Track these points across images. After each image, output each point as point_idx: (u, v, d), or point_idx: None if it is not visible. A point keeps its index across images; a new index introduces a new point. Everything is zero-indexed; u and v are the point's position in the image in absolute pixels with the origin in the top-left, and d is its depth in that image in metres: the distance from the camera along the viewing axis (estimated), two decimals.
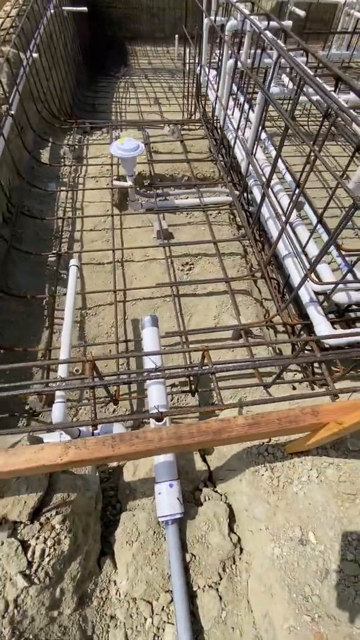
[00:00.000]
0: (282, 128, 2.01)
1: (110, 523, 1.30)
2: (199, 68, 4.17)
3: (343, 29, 5.60)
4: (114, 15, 9.03)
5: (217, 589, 1.11)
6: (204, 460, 1.47)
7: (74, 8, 5.59)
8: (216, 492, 1.35)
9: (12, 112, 2.81)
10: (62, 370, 1.46)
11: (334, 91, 1.80)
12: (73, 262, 2.06)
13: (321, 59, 1.75)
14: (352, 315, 2.39)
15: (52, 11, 4.88)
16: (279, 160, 2.25)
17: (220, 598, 1.10)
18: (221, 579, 1.13)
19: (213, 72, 3.88)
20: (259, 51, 2.50)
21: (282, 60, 2.04)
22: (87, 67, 7.29)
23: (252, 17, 2.43)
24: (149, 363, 1.41)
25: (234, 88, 3.16)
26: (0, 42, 3.16)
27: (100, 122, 4.49)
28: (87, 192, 3.26)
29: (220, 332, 2.32)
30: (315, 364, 2.36)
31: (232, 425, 0.91)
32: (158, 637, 1.06)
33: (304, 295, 2.09)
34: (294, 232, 2.47)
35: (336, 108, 1.48)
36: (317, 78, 1.82)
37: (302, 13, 4.42)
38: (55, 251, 2.67)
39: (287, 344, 2.47)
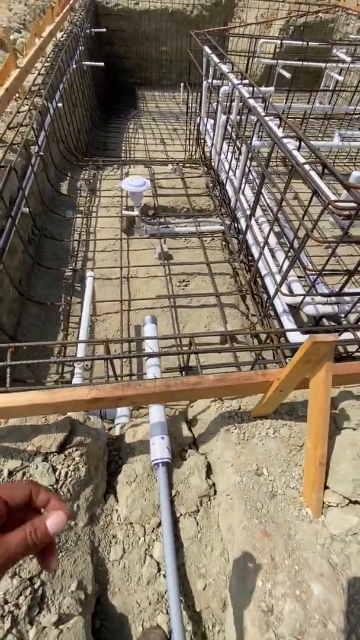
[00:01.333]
0: (275, 167, 2.52)
1: (114, 474, 1.65)
2: (198, 118, 4.86)
3: (326, 86, 6.45)
4: (127, 65, 10.13)
5: (194, 517, 1.45)
6: (190, 429, 1.83)
7: (93, 63, 6.46)
8: (198, 452, 1.70)
9: (41, 153, 3.38)
10: (80, 352, 1.85)
11: (298, 149, 2.33)
12: (90, 274, 2.51)
13: (292, 126, 2.27)
14: (326, 324, 2.80)
15: (74, 66, 5.70)
16: (262, 196, 2.76)
17: (197, 523, 1.43)
18: (198, 510, 1.46)
19: (211, 122, 4.55)
20: (245, 111, 3.09)
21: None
22: (101, 110, 8.17)
23: (239, 86, 3.04)
24: (148, 350, 1.81)
25: (227, 136, 3.77)
26: (34, 96, 3.81)
27: (111, 160, 5.13)
28: (100, 219, 3.79)
29: (210, 336, 2.73)
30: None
31: (205, 380, 1.30)
32: (148, 551, 1.39)
33: (279, 306, 2.52)
34: (274, 256, 2.94)
35: (295, 164, 1.98)
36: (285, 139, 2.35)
37: (288, 75, 5.18)
38: (71, 267, 3.13)
39: (268, 351, 2.86)
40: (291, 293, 2.50)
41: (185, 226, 3.85)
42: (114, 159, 5.25)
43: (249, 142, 2.76)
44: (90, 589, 1.24)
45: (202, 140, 5.25)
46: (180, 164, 4.78)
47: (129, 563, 1.36)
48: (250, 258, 3.49)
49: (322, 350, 1.06)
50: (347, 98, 7.07)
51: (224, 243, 3.82)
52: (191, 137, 5.42)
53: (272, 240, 3.02)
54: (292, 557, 1.13)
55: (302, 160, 2.05)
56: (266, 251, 2.72)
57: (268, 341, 2.11)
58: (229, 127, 3.55)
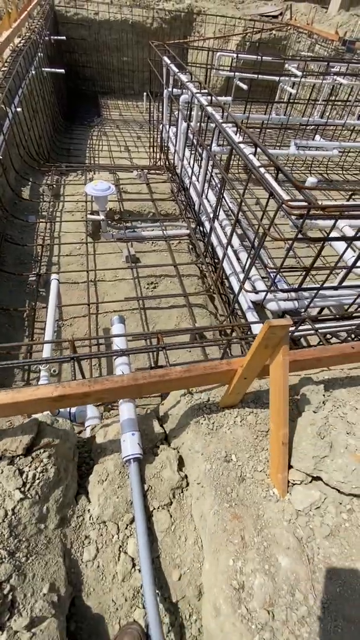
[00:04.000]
0: (237, 174, 2.63)
1: (85, 475, 1.62)
2: (161, 126, 4.96)
3: (280, 99, 6.84)
4: (88, 73, 10.12)
5: (168, 510, 1.46)
6: (161, 426, 1.85)
7: (53, 70, 6.41)
8: (170, 447, 1.72)
9: (0, 157, 3.30)
10: (46, 353, 1.81)
11: (254, 154, 2.46)
12: (54, 276, 2.47)
13: (247, 132, 2.39)
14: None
15: (33, 72, 5.63)
16: (223, 199, 2.87)
17: (171, 515, 1.45)
18: (171, 502, 1.48)
19: (173, 129, 4.67)
20: (205, 118, 3.22)
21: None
22: (63, 117, 8.09)
23: (198, 94, 3.17)
24: (116, 348, 1.81)
25: (189, 143, 3.89)
26: None
27: (75, 165, 5.10)
28: (64, 224, 3.75)
29: (179, 335, 2.77)
30: None
31: (172, 371, 1.33)
32: (122, 548, 1.38)
33: (244, 303, 2.62)
34: (237, 257, 3.06)
35: (251, 167, 2.09)
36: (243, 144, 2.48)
37: (244, 87, 5.45)
38: (35, 272, 3.06)
39: (236, 345, 2.95)
40: (255, 290, 2.61)
41: (152, 230, 3.90)
42: (78, 165, 5.22)
43: (208, 147, 2.87)
44: (63, 591, 1.21)
45: (166, 148, 5.37)
46: (145, 170, 4.85)
47: (103, 562, 1.35)
48: (216, 260, 3.60)
49: (278, 334, 1.13)
50: (301, 110, 7.54)
51: (190, 246, 3.91)
52: (155, 144, 5.52)
53: (236, 242, 3.14)
54: (260, 535, 1.18)
55: (258, 164, 2.18)
56: (230, 252, 2.83)
57: (234, 334, 2.18)
58: (190, 134, 3.67)
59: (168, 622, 1.28)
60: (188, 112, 3.68)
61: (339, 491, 1.29)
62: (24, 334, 2.66)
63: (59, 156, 6.06)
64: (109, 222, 3.86)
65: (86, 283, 3.07)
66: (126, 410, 1.66)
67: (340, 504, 1.27)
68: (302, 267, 2.62)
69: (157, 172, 4.93)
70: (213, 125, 3.53)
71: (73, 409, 1.97)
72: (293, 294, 2.60)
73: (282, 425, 1.27)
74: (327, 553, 1.13)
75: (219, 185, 3.88)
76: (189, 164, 3.97)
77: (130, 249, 3.41)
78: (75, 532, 1.39)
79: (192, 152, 4.08)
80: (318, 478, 1.33)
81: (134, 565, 1.34)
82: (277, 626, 0.99)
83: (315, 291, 2.42)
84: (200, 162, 3.43)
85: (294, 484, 1.32)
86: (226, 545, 1.16)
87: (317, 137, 6.06)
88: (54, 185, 4.32)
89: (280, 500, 1.30)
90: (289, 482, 1.32)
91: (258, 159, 2.26)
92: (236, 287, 2.73)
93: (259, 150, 2.35)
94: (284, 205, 1.80)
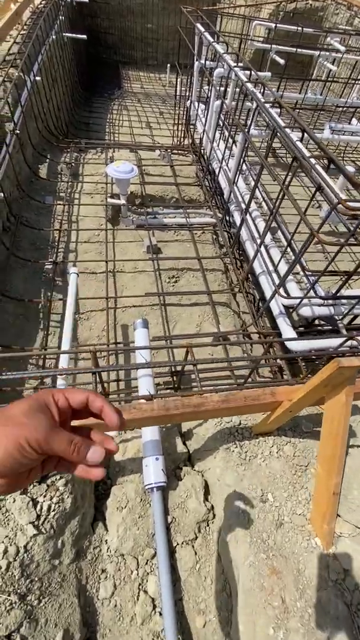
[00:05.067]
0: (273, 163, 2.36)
1: (102, 497, 1.49)
2: (189, 102, 4.59)
3: (318, 77, 6.29)
4: (110, 40, 9.54)
5: (192, 545, 1.33)
6: (184, 444, 1.70)
7: (75, 35, 5.99)
8: (194, 469, 1.57)
9: (18, 132, 3.06)
10: (63, 362, 1.66)
11: (301, 140, 2.18)
12: (73, 269, 2.29)
13: (295, 116, 2.11)
14: (318, 328, 2.73)
15: (53, 37, 5.24)
16: (257, 189, 2.60)
17: (196, 552, 1.32)
18: (196, 537, 1.34)
19: (202, 107, 4.30)
20: (242, 96, 2.90)
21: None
22: (82, 88, 7.66)
23: (236, 68, 2.84)
24: (140, 359, 1.64)
25: (220, 123, 3.56)
26: (8, 66, 3.43)
27: (95, 142, 4.79)
28: (82, 207, 3.51)
29: (201, 337, 2.59)
30: (285, 372, 2.67)
31: (208, 401, 1.15)
32: (142, 585, 1.26)
33: (275, 308, 2.40)
34: (269, 253, 2.81)
35: (300, 156, 1.83)
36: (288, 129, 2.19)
37: (282, 61, 4.98)
38: (51, 259, 2.88)
39: (261, 352, 2.76)
40: (287, 294, 2.39)
41: (175, 217, 3.64)
42: (98, 141, 4.91)
43: (246, 130, 2.58)
44: (77, 637, 1.09)
45: (192, 127, 5.00)
46: (168, 150, 4.53)
47: (121, 601, 1.23)
48: (241, 253, 3.35)
49: (345, 375, 0.94)
50: (335, 90, 6.96)
51: (214, 237, 3.65)
52: (180, 122, 5.15)
53: (267, 236, 2.88)
54: (303, 598, 1.03)
55: (308, 154, 1.90)
56: (262, 250, 2.59)
57: (264, 350, 1.99)
58: (221, 114, 3.34)
59: None
60: (222, 88, 3.33)
61: None
62: (39, 326, 2.51)
63: (77, 131, 5.73)
64: (130, 206, 3.62)
65: (104, 274, 2.88)
66: (149, 431, 1.50)
67: None
68: (342, 272, 2.38)
69: (182, 152, 4.60)
70: (249, 104, 3.20)
71: None
72: (329, 300, 2.37)
73: (335, 473, 1.09)
74: None
75: (251, 172, 3.57)
76: (219, 146, 3.66)
77: (152, 238, 3.18)
78: (92, 565, 1.27)
79: (223, 133, 3.75)
80: None
81: (154, 607, 1.22)
82: None
83: (357, 299, 2.19)
84: (232, 145, 3.13)
85: (340, 536, 1.16)
86: (264, 608, 1.02)
87: (355, 120, 5.59)
88: (73, 164, 4.06)
89: (324, 553, 1.14)
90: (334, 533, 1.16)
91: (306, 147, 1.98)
92: (266, 287, 2.50)
93: (305, 136, 2.07)
94: (340, 206, 1.55)
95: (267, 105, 2.33)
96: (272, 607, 1.02)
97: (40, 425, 0.47)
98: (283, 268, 2.65)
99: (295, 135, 2.23)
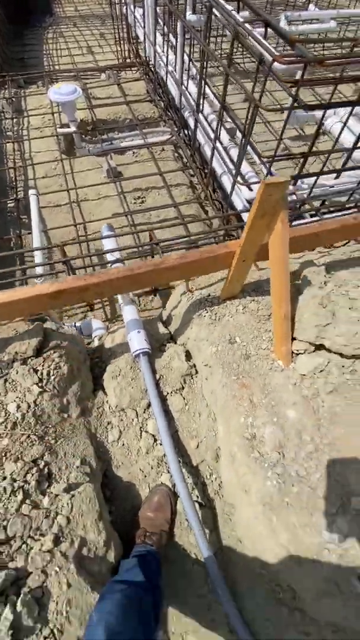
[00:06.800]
0: (218, 66, 2.26)
1: (98, 377, 1.70)
2: (125, 8, 4.16)
3: None
4: None
5: (180, 393, 1.56)
6: (166, 327, 1.88)
7: None
8: (176, 344, 1.77)
9: None
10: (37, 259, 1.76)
11: (237, 11, 2.07)
12: (32, 192, 2.30)
13: None
14: None
15: None
16: (206, 84, 2.51)
17: (184, 398, 1.55)
18: (183, 387, 1.57)
19: (140, 11, 3.92)
20: None
21: None
22: (9, 22, 6.79)
23: None
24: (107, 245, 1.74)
25: (160, 23, 3.29)
26: None
27: (34, 74, 4.41)
28: (34, 142, 3.37)
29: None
30: None
31: (168, 259, 1.29)
32: (143, 428, 1.50)
33: (238, 203, 2.47)
34: (229, 155, 2.79)
35: (234, 23, 1.77)
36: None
37: None
38: (13, 197, 2.85)
39: None
40: (248, 185, 2.43)
41: (132, 140, 3.52)
42: (37, 72, 4.52)
43: (183, 17, 2.41)
44: (94, 465, 1.34)
45: (134, 40, 4.59)
46: (114, 70, 4.21)
47: (127, 441, 1.48)
48: (204, 164, 3.30)
49: (275, 195, 1.06)
50: None
51: (176, 154, 3.57)
52: (121, 38, 4.70)
53: (225, 137, 2.84)
54: (268, 397, 1.26)
55: (242, 19, 1.83)
56: (219, 147, 2.57)
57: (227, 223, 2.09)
58: (158, 9, 3.07)
59: (191, 482, 1.45)
60: None
61: (341, 355, 1.34)
62: (16, 263, 2.58)
63: (12, 68, 5.22)
64: (83, 135, 3.48)
65: (69, 205, 2.87)
66: (129, 311, 1.67)
67: (343, 366, 1.33)
68: (299, 153, 2.41)
69: (128, 69, 4.28)
70: None
71: (78, 323, 1.99)
72: (290, 187, 2.43)
73: (284, 302, 1.27)
74: (331, 405, 1.22)
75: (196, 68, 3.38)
76: (163, 50, 3.42)
77: (110, 161, 3.11)
78: (98, 419, 1.50)
79: (166, 37, 3.47)
80: (321, 346, 1.37)
81: (155, 440, 1.47)
82: (287, 462, 1.10)
83: (315, 178, 2.26)
84: (176, 42, 2.93)
85: (297, 354, 1.37)
86: (236, 408, 1.25)
87: (312, 6, 5.13)
88: (14, 99, 3.79)
89: (285, 369, 1.36)
90: (292, 352, 1.37)
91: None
92: (228, 186, 2.54)
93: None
94: (275, 64, 1.55)
95: None
96: (242, 407, 1.25)
97: None
98: (246, 168, 2.66)
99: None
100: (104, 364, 1.74)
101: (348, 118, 2.24)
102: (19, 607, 0.91)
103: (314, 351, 1.39)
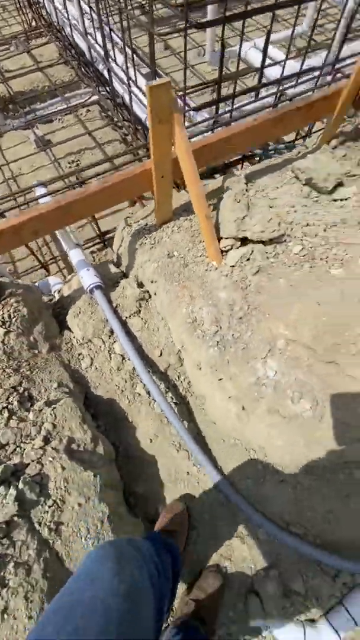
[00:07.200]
0: (118, 7, 2.23)
1: (63, 321, 1.84)
2: None
3: None
4: None
5: (138, 315, 1.72)
6: (117, 267, 2.01)
7: None
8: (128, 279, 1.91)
9: None
10: None
11: None
12: None
13: None
14: None
15: None
16: (111, 32, 2.49)
17: (142, 318, 1.71)
18: (139, 310, 1.73)
19: None
20: None
21: None
22: None
23: None
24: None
25: None
26: None
27: None
28: None
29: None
30: None
31: (90, 186, 1.40)
32: (111, 351, 1.67)
33: None
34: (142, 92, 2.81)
35: None
36: None
37: None
38: None
39: None
40: None
41: (55, 107, 3.46)
42: None
43: None
44: (71, 386, 1.51)
45: (35, 3, 4.35)
46: (21, 38, 4.03)
47: (99, 364, 1.65)
48: (131, 115, 3.30)
49: (164, 98, 1.17)
50: None
51: (103, 114, 3.54)
52: (23, 5, 4.44)
53: (142, 81, 2.85)
54: (204, 289, 1.44)
55: None
56: (137, 92, 2.60)
57: None
58: None
59: (164, 387, 1.64)
60: None
61: (264, 243, 1.52)
62: None
63: None
64: (5, 112, 3.40)
65: (4, 182, 2.88)
66: (75, 254, 1.79)
67: (266, 252, 1.51)
68: (211, 80, 2.47)
69: (36, 33, 4.11)
70: None
71: (37, 283, 2.10)
72: (207, 115, 2.50)
73: (202, 202, 1.41)
74: (257, 282, 1.40)
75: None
76: (63, 5, 3.30)
77: (36, 131, 3.09)
78: (69, 353, 1.66)
79: None
80: (244, 240, 1.53)
81: (123, 358, 1.65)
82: (223, 332, 1.29)
83: (231, 100, 2.34)
84: None
85: (226, 251, 1.54)
86: (179, 304, 1.42)
87: None
88: None
89: (218, 267, 1.53)
90: (222, 251, 1.54)
91: None
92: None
93: None
94: None
95: None
96: (184, 302, 1.43)
97: None
98: None
99: None
100: (65, 310, 1.88)
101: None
102: (20, 486, 1.09)
103: (239, 246, 1.56)
